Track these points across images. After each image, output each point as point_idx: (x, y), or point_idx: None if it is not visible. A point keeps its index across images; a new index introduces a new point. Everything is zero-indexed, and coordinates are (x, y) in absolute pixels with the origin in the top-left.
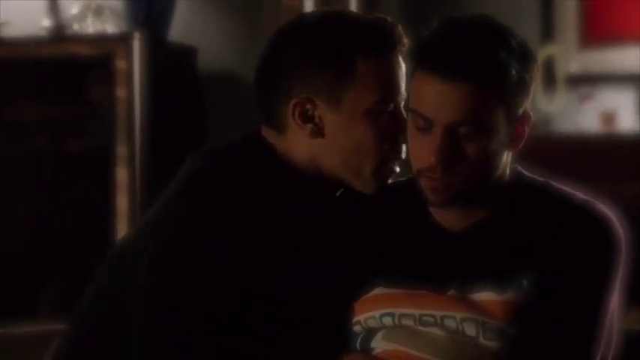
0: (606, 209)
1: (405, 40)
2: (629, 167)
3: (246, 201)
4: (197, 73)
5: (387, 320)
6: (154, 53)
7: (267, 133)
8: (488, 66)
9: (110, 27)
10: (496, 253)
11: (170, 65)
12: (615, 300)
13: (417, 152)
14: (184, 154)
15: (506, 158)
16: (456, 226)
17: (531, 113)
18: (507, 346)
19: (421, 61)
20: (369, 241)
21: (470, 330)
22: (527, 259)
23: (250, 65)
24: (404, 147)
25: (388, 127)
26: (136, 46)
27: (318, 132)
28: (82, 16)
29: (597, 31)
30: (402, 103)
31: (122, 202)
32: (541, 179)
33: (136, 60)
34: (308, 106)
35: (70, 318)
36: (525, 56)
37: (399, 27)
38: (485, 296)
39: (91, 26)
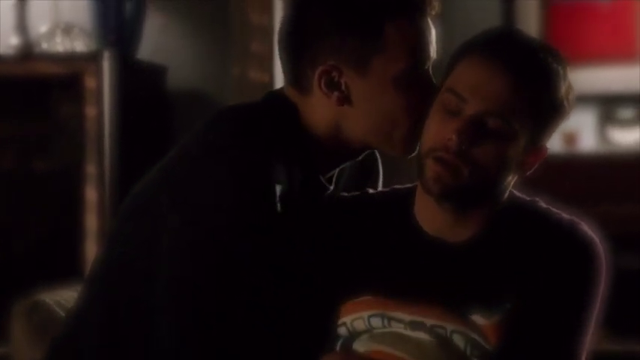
0: (590, 231)
1: (435, 3)
2: (590, 188)
3: (263, 175)
4: (167, 91)
5: (376, 322)
6: (124, 72)
7: (291, 93)
8: (542, 72)
9: (79, 45)
10: (484, 273)
11: (140, 84)
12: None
13: (435, 131)
14: None
15: (511, 180)
16: (444, 236)
17: (548, 149)
18: None
19: (478, 46)
20: (358, 249)
21: (459, 342)
22: (512, 281)
23: (219, 85)
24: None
25: (416, 92)
26: (106, 64)
27: (345, 99)
28: (50, 35)
29: None
30: (430, 68)
31: (91, 222)
32: (528, 198)
33: (105, 78)
34: (334, 74)
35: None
36: (572, 89)
37: None
38: (475, 319)
39: (60, 45)
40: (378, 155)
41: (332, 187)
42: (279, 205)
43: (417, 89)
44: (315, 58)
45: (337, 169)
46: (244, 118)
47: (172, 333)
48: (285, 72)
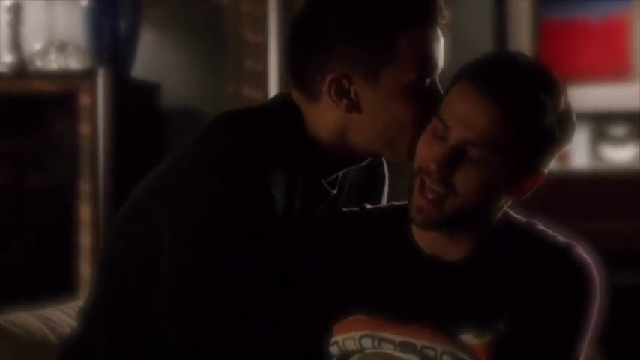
0: (585, 254)
1: (446, 12)
2: (583, 205)
3: (258, 183)
4: (161, 109)
5: (367, 342)
6: (118, 89)
7: (297, 96)
8: (528, 102)
9: (74, 63)
10: (478, 291)
11: (134, 101)
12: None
13: (423, 153)
14: None
15: (503, 203)
16: (440, 254)
17: (545, 172)
18: None
19: (469, 75)
20: (354, 265)
21: None
22: (506, 301)
23: (214, 102)
24: None
25: (424, 101)
26: (100, 82)
27: (354, 107)
28: (45, 52)
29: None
30: (437, 77)
31: (85, 239)
32: (524, 220)
33: (99, 96)
34: (344, 82)
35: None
36: (567, 118)
37: None
38: (466, 338)
39: (54, 62)
40: (383, 159)
41: (335, 192)
42: (276, 211)
43: (425, 99)
44: (326, 65)
45: (340, 173)
46: (240, 125)
47: (174, 341)
48: (292, 76)
